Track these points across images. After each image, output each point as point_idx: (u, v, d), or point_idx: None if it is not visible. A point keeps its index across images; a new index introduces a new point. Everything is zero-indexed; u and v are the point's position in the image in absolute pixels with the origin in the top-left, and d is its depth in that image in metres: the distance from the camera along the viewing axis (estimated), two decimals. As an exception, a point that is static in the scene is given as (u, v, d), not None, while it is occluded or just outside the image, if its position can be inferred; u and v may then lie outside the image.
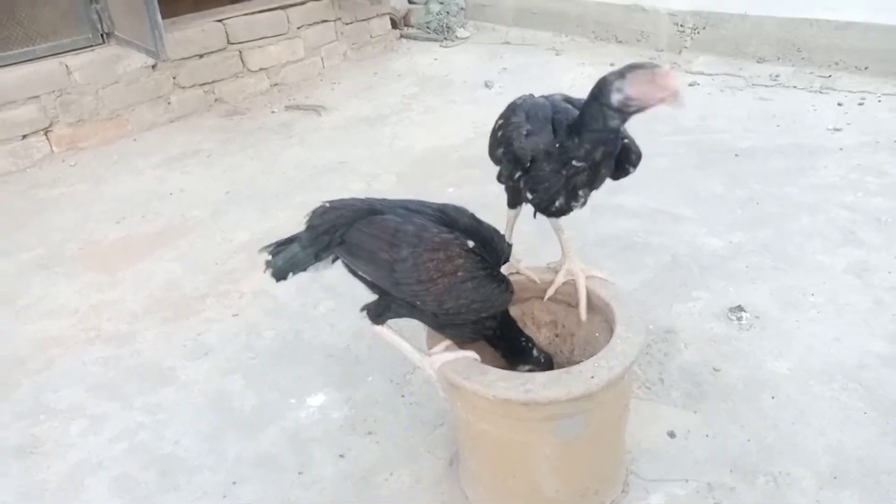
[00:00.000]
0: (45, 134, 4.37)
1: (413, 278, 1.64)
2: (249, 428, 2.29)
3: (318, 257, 1.75)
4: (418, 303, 1.68)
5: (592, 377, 1.61)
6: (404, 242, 1.65)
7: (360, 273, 1.75)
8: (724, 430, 2.11)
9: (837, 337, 2.42)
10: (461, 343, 1.81)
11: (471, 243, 1.69)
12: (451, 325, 1.74)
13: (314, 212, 1.77)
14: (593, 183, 1.79)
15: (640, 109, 1.59)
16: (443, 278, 1.64)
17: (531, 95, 1.90)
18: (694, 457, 2.04)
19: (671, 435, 2.12)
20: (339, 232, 1.71)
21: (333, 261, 1.79)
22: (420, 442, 2.17)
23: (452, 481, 2.03)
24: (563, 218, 1.97)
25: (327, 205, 1.78)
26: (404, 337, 1.83)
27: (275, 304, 2.86)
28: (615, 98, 1.58)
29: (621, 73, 1.58)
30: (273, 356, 2.59)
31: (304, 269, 1.78)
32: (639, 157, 1.83)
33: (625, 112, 1.60)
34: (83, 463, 2.22)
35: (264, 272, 1.80)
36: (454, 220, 1.75)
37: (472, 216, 1.79)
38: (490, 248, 1.76)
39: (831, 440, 2.04)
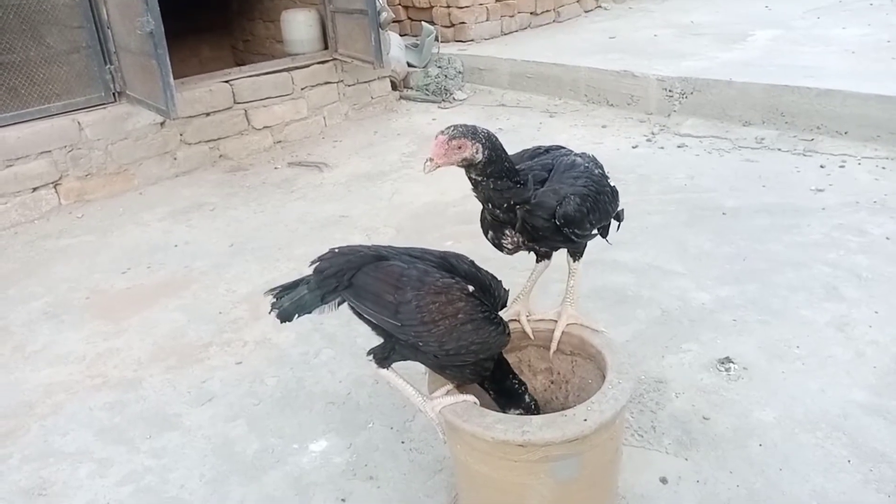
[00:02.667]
0: (55, 187, 4.52)
1: (416, 320, 1.75)
2: (253, 472, 2.35)
3: (324, 300, 1.85)
4: (420, 344, 1.78)
5: (585, 420, 1.69)
6: (408, 286, 1.76)
7: (365, 315, 1.85)
8: (714, 476, 2.19)
9: (821, 387, 2.51)
10: (461, 387, 1.90)
11: (471, 288, 1.80)
12: (452, 366, 1.83)
13: (322, 256, 1.88)
14: (515, 225, 1.89)
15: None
16: (444, 320, 1.74)
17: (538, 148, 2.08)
18: (685, 502, 2.10)
19: (663, 481, 2.19)
20: (346, 276, 1.82)
21: (339, 304, 1.88)
22: (420, 487, 2.23)
23: (451, 525, 2.09)
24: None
25: (336, 250, 1.89)
26: (408, 381, 1.92)
27: (277, 353, 2.94)
28: None
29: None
30: (276, 403, 2.66)
31: (310, 312, 1.88)
32: (555, 216, 1.87)
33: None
34: (90, 505, 2.27)
35: (270, 313, 1.89)
36: (455, 267, 1.87)
37: (472, 263, 1.91)
38: (488, 294, 1.87)
39: (816, 486, 2.12)
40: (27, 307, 3.45)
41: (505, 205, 1.84)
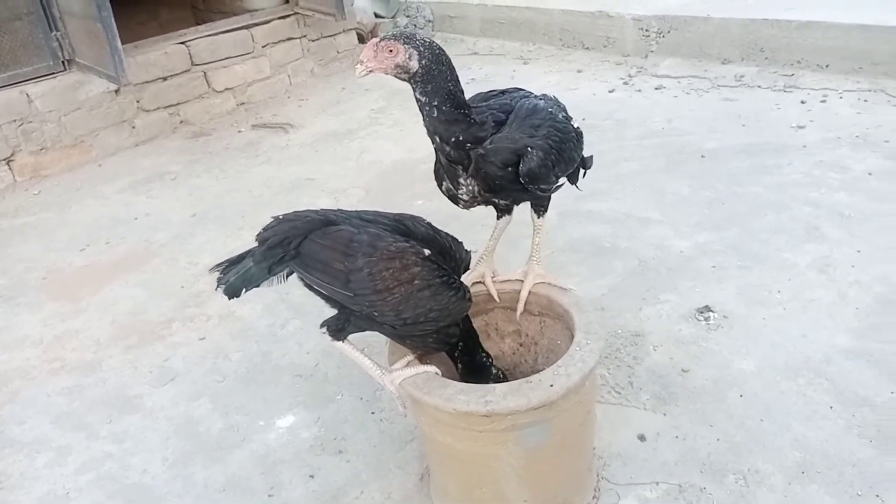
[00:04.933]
0: (8, 163, 4.32)
1: (369, 288, 1.63)
2: (217, 452, 2.26)
3: (271, 271, 1.72)
4: (376, 314, 1.66)
5: (552, 385, 1.59)
6: (359, 252, 1.64)
7: (315, 287, 1.72)
8: (693, 430, 2.11)
9: (803, 333, 2.43)
10: (423, 357, 1.80)
11: (427, 251, 1.68)
12: (412, 336, 1.72)
13: (267, 226, 1.75)
14: (467, 168, 1.75)
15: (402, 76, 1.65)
16: (399, 287, 1.63)
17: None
18: (664, 459, 2.03)
19: (641, 438, 2.11)
20: (292, 244, 1.69)
21: (288, 275, 1.76)
22: (390, 458, 2.15)
23: (423, 496, 2.01)
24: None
25: (280, 217, 1.75)
26: (366, 353, 1.81)
27: (242, 326, 2.83)
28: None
29: None
30: (240, 379, 2.56)
31: (258, 285, 1.75)
32: (510, 165, 1.73)
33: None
34: (49, 496, 2.17)
35: (216, 290, 1.77)
36: (410, 230, 1.74)
37: (430, 225, 1.79)
38: (448, 257, 1.75)
39: (797, 435, 2.05)
40: (-19, 291, 3.31)
41: (453, 139, 1.70)
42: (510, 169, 1.73)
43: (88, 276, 3.33)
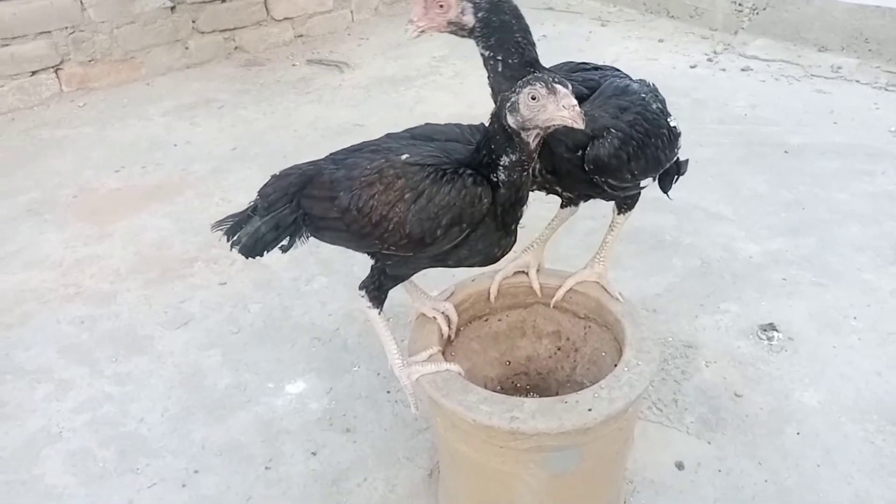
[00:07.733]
0: (56, 71, 4.20)
1: (366, 224, 1.45)
2: (220, 410, 2.12)
3: (279, 229, 1.56)
4: (393, 248, 1.46)
5: (590, 410, 1.38)
6: (340, 190, 1.46)
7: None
8: (739, 465, 1.88)
9: (878, 370, 2.16)
10: (447, 353, 1.59)
11: (405, 155, 1.45)
12: (450, 257, 1.49)
13: (266, 183, 1.61)
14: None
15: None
16: (393, 209, 1.42)
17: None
18: (702, 494, 1.82)
19: (679, 466, 1.89)
20: (293, 200, 1.54)
21: (309, 235, 1.60)
22: (400, 446, 1.98)
23: (429, 495, 1.83)
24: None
25: (278, 173, 1.61)
26: (393, 337, 1.63)
27: (265, 276, 2.67)
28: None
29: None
30: (256, 333, 2.41)
31: (279, 244, 1.57)
32: (583, 156, 1.50)
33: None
34: (42, 432, 2.07)
35: (231, 250, 1.60)
36: (404, 137, 1.58)
37: (430, 125, 1.63)
38: (461, 142, 1.54)
39: (860, 490, 1.80)
40: (12, 202, 3.22)
41: None
42: (580, 153, 1.48)
43: (119, 200, 3.21)
